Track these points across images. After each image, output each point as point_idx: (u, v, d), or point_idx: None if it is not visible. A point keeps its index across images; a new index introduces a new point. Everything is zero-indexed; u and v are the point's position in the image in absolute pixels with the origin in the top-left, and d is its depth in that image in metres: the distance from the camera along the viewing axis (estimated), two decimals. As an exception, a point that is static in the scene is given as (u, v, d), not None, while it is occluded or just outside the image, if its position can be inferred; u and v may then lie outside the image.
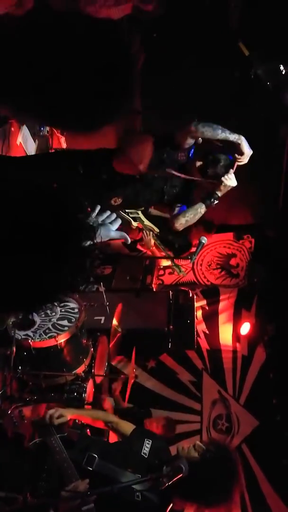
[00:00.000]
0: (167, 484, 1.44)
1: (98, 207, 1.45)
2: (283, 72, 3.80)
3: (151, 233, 3.32)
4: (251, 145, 4.77)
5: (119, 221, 1.50)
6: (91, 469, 1.70)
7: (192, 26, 4.20)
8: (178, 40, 4.38)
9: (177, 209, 2.78)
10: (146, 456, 1.75)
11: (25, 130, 3.83)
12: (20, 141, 3.78)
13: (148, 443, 1.81)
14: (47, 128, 4.34)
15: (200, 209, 2.65)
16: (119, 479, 1.65)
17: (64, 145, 4.83)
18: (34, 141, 4.08)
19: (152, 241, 3.26)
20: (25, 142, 3.88)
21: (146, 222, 3.48)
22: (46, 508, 1.25)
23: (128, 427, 2.07)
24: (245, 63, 4.25)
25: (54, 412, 2.06)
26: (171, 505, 1.70)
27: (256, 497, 3.87)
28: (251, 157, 4.87)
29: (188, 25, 4.20)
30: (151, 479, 1.45)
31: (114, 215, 1.48)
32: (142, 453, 1.79)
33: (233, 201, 5.26)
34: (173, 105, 4.48)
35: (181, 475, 1.49)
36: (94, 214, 1.19)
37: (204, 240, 2.74)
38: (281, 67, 3.81)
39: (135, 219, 3.46)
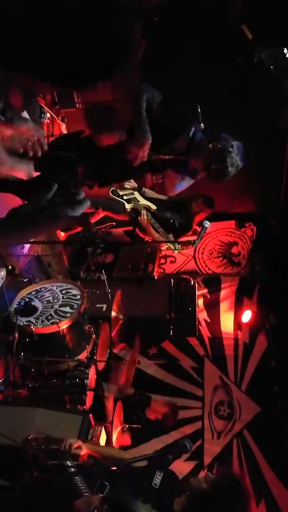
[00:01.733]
0: (172, 461, 1.45)
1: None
2: (287, 56, 3.74)
3: (146, 212, 3.27)
4: (254, 133, 4.76)
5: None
6: (102, 495, 1.70)
7: (194, 11, 4.14)
8: (179, 26, 4.32)
9: (181, 181, 2.71)
10: (157, 487, 1.76)
11: (25, 115, 3.79)
12: (20, 127, 3.75)
13: (159, 475, 1.82)
14: (48, 115, 4.30)
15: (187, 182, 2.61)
16: (129, 507, 1.67)
17: (64, 132, 4.79)
18: (34, 128, 4.04)
19: (145, 220, 3.20)
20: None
21: (142, 201, 3.45)
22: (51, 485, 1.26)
23: (140, 463, 2.08)
24: (248, 48, 4.20)
25: (74, 441, 2.07)
26: None
27: (258, 483, 3.90)
28: (254, 145, 4.86)
29: (190, 10, 4.14)
30: (158, 455, 1.45)
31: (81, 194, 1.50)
32: (153, 484, 1.81)
33: (235, 189, 5.24)
34: (174, 93, 4.43)
35: (186, 452, 1.50)
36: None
37: (207, 224, 2.70)
38: (285, 51, 3.75)
39: (129, 200, 3.43)
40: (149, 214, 3.30)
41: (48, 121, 4.32)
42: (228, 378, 4.71)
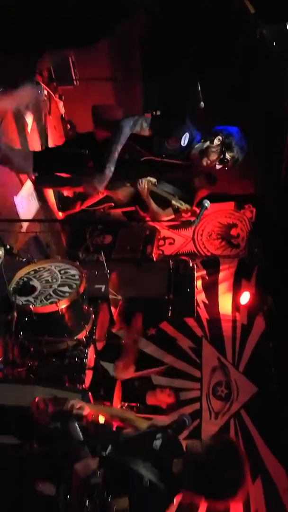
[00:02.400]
0: (172, 436, 1.46)
1: None
2: (291, 32, 3.65)
3: (147, 180, 3.20)
4: (255, 115, 4.68)
5: None
6: (103, 455, 1.72)
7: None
8: (179, 2, 4.21)
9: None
10: (157, 449, 1.78)
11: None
12: (17, 103, 3.66)
13: (159, 437, 1.83)
14: (45, 92, 4.20)
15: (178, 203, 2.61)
16: (130, 465, 1.70)
17: (62, 110, 4.70)
18: (32, 105, 3.95)
19: (146, 189, 3.14)
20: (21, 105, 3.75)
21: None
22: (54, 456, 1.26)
23: (144, 423, 2.10)
24: (250, 24, 4.09)
25: (76, 402, 2.09)
26: (180, 496, 1.76)
27: (254, 461, 3.97)
28: (254, 125, 4.79)
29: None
30: (158, 431, 1.46)
31: None
32: (153, 446, 1.83)
33: (235, 171, 5.17)
34: (174, 72, 4.34)
35: (185, 428, 1.52)
36: None
37: (207, 203, 2.66)
38: (288, 27, 3.65)
39: None
40: (150, 181, 3.22)
41: (45, 98, 4.22)
42: (226, 359, 4.75)
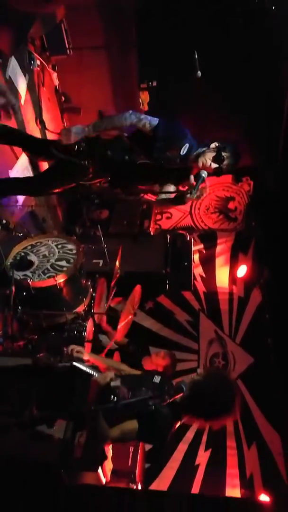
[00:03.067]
0: (169, 401, 1.52)
1: None
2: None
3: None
4: (252, 85, 4.58)
5: None
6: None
7: None
8: None
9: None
10: (158, 382, 1.90)
11: (13, 62, 3.58)
12: (9, 75, 3.56)
13: (158, 377, 2.04)
14: (38, 62, 4.08)
15: (172, 188, 2.58)
16: (135, 394, 1.84)
17: (56, 81, 4.58)
18: (24, 76, 3.84)
19: None
20: (14, 77, 3.65)
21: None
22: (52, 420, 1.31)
23: (138, 373, 2.21)
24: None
25: (76, 347, 2.32)
26: (182, 419, 1.88)
27: (250, 428, 4.10)
28: (252, 97, 4.70)
29: None
30: (155, 397, 1.52)
31: None
32: (153, 381, 2.00)
33: (232, 142, 5.11)
34: (170, 40, 4.22)
35: (181, 394, 1.59)
36: None
37: (204, 174, 2.64)
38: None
39: None
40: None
41: (38, 68, 4.10)
42: (223, 331, 4.83)
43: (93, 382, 1.80)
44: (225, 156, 2.68)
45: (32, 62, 3.97)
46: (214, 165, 2.69)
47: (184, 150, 2.56)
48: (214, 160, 2.64)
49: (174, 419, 1.82)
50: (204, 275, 5.27)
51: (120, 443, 2.81)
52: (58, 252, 3.30)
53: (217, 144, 2.71)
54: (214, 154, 2.66)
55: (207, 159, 2.68)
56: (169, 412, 1.77)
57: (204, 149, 2.73)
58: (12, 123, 3.58)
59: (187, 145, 2.62)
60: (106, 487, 2.66)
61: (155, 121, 2.60)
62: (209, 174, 2.71)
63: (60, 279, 3.05)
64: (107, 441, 1.85)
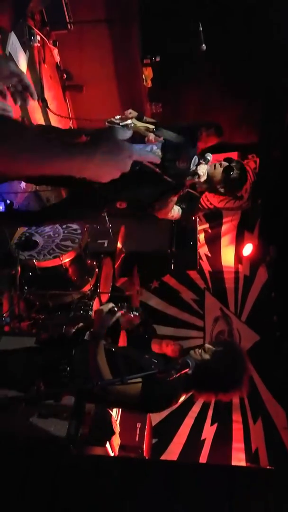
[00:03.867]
0: (175, 376, 1.53)
1: None
2: None
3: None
4: (258, 60, 4.45)
5: None
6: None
7: None
8: None
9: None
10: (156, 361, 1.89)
11: (13, 38, 3.50)
12: (9, 51, 3.48)
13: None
14: (38, 37, 3.98)
15: (171, 197, 2.52)
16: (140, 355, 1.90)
17: (57, 58, 4.47)
18: (25, 52, 3.75)
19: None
20: (14, 53, 3.57)
21: (140, 124, 3.28)
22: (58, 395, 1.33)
23: None
24: None
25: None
26: (189, 392, 1.85)
27: (256, 403, 4.15)
28: (258, 74, 4.56)
29: None
30: (162, 372, 1.52)
31: None
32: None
33: (238, 119, 5.01)
34: (174, 12, 4.09)
35: (187, 369, 1.58)
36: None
37: (210, 156, 2.60)
38: None
39: (125, 126, 3.28)
40: (149, 128, 3.13)
41: (39, 44, 4.00)
42: (228, 309, 4.84)
43: (96, 312, 1.82)
44: (234, 175, 2.62)
45: (32, 37, 3.87)
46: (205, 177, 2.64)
47: (194, 162, 2.53)
48: (224, 180, 2.60)
49: (179, 391, 1.79)
50: (209, 254, 5.25)
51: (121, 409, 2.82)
52: (63, 232, 3.31)
53: (222, 163, 2.66)
54: (207, 166, 2.61)
55: (202, 172, 2.63)
56: (174, 384, 1.75)
57: (201, 162, 2.68)
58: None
59: (196, 157, 2.58)
60: (114, 457, 2.73)
61: (160, 142, 2.57)
62: (221, 194, 2.72)
63: (66, 259, 3.07)
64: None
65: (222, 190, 2.66)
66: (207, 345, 1.87)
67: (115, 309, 1.78)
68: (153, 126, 3.25)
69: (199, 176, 2.49)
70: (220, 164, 2.59)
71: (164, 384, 1.68)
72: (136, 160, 0.91)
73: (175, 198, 2.52)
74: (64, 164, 0.80)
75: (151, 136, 2.97)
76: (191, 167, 2.52)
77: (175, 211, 2.67)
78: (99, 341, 1.74)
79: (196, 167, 2.56)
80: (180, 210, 2.72)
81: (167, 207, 2.56)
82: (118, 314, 1.78)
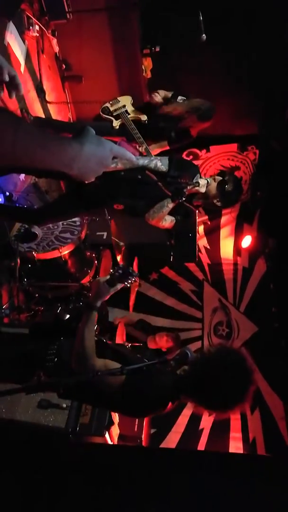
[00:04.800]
0: (173, 367, 1.53)
1: None
2: None
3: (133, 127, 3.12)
4: (258, 50, 4.41)
5: None
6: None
7: None
8: None
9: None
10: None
11: (12, 28, 3.46)
12: (7, 41, 3.45)
13: None
14: (37, 27, 3.94)
15: (168, 204, 2.51)
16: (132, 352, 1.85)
17: (56, 48, 4.43)
18: (23, 42, 3.72)
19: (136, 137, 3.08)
20: (13, 43, 3.54)
21: (132, 113, 3.27)
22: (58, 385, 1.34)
23: None
24: None
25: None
26: (180, 399, 1.69)
27: (254, 394, 4.18)
28: (258, 64, 4.53)
29: None
30: (160, 362, 1.52)
31: None
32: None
33: (238, 110, 4.98)
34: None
35: (187, 359, 1.56)
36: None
37: (210, 180, 2.64)
38: None
39: (118, 116, 3.26)
40: (135, 128, 3.13)
41: (37, 34, 3.96)
42: (227, 300, 4.86)
43: (93, 282, 1.79)
44: (228, 188, 2.64)
45: (30, 27, 3.83)
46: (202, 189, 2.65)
47: (196, 179, 2.56)
48: (220, 194, 2.61)
49: (168, 396, 1.63)
50: (208, 247, 5.26)
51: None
52: (62, 224, 3.31)
53: (216, 177, 2.68)
54: (206, 182, 2.63)
55: (202, 183, 2.65)
56: (165, 385, 1.62)
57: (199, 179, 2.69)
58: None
59: (198, 175, 2.61)
60: (113, 445, 2.76)
61: (165, 159, 2.57)
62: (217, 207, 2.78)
63: (65, 251, 3.08)
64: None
65: (218, 204, 2.68)
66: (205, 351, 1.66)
67: (114, 278, 1.72)
68: (145, 118, 3.24)
69: (198, 185, 2.51)
70: (214, 179, 2.60)
71: (153, 382, 1.59)
72: (115, 156, 0.93)
73: (171, 205, 2.53)
74: (53, 157, 0.81)
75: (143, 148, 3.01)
76: (193, 181, 2.55)
77: (167, 221, 2.68)
78: (92, 312, 1.68)
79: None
80: (174, 221, 2.72)
81: (162, 213, 2.57)
82: (118, 286, 1.73)
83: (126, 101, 3.39)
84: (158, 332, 4.00)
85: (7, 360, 1.76)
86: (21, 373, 1.61)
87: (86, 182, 0.91)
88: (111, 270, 1.79)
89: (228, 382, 1.58)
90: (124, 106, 3.34)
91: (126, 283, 1.74)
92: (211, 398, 1.60)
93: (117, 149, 0.94)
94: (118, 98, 3.42)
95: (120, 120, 3.28)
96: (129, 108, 3.34)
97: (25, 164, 0.79)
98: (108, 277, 1.76)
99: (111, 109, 3.35)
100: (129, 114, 3.29)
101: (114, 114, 3.32)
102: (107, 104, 3.39)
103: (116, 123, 3.28)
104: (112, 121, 3.30)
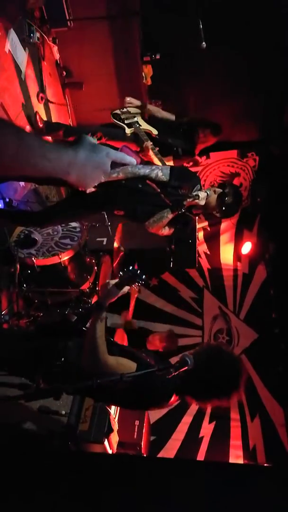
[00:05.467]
0: (173, 374, 1.53)
1: None
2: None
3: (148, 141, 3.16)
4: (257, 54, 4.44)
5: None
6: None
7: None
8: None
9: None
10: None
11: (13, 35, 3.49)
12: (8, 48, 3.47)
13: None
14: (38, 35, 3.97)
15: (167, 214, 2.52)
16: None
17: (57, 55, 4.46)
18: (24, 49, 3.75)
19: (150, 148, 3.10)
20: (14, 50, 3.56)
21: (144, 125, 3.30)
22: (58, 391, 1.34)
23: None
24: None
25: None
26: (177, 397, 1.78)
27: (254, 400, 4.17)
28: (256, 69, 4.56)
29: None
30: (159, 370, 1.52)
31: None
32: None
33: (237, 116, 5.01)
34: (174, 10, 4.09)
35: (186, 367, 1.57)
36: None
37: (209, 191, 2.64)
38: None
39: (130, 125, 3.28)
40: (148, 139, 3.16)
41: (39, 41, 3.99)
42: (227, 308, 4.85)
43: (103, 285, 1.83)
44: (228, 201, 2.65)
45: (32, 35, 3.85)
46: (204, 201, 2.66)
47: (196, 190, 2.57)
48: (219, 207, 2.62)
49: (167, 395, 1.73)
50: (208, 252, 5.26)
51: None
52: (62, 230, 3.31)
53: (216, 189, 2.69)
54: (206, 193, 2.64)
55: (202, 196, 2.66)
56: (165, 385, 1.70)
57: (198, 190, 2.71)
58: (15, 98, 3.53)
59: (198, 186, 2.62)
60: (112, 454, 2.74)
61: (166, 168, 2.58)
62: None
63: (64, 257, 3.08)
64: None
65: (217, 215, 2.69)
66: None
67: (123, 280, 1.76)
68: (156, 132, 3.27)
69: (198, 197, 2.52)
70: (214, 191, 2.61)
71: (157, 380, 1.65)
72: (113, 161, 0.93)
73: (170, 216, 2.54)
74: (52, 165, 0.82)
75: (149, 144, 3.02)
76: (193, 192, 2.56)
77: (166, 230, 2.68)
78: (102, 311, 1.74)
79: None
80: (172, 230, 2.73)
81: (162, 222, 2.58)
82: (125, 289, 1.77)
83: (136, 112, 3.42)
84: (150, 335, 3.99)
85: (15, 355, 1.78)
86: (27, 369, 1.63)
87: (87, 189, 0.92)
88: (121, 272, 1.81)
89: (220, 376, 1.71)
90: (134, 117, 3.37)
91: (134, 285, 1.77)
92: (206, 391, 1.72)
93: (114, 154, 0.94)
94: (128, 109, 3.44)
95: (132, 129, 3.30)
96: (140, 120, 3.38)
97: (27, 174, 0.80)
98: (117, 280, 1.80)
99: (122, 117, 3.38)
100: (140, 125, 3.32)
101: (126, 122, 3.35)
102: (118, 111, 3.41)
103: (128, 131, 3.32)
104: (124, 128, 3.33)
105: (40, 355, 1.77)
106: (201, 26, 3.56)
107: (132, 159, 1.01)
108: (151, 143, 3.14)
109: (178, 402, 1.84)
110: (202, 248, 5.24)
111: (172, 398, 1.75)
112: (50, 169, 0.82)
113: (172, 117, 3.39)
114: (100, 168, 0.91)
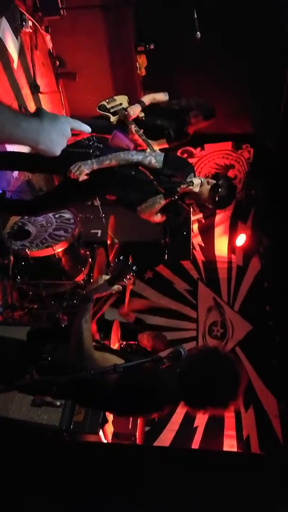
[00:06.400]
0: (167, 365, 1.52)
1: None
2: None
3: (132, 125, 3.12)
4: (253, 49, 4.41)
5: None
6: None
7: None
8: None
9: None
10: None
11: (4, 23, 3.43)
12: (0, 37, 3.42)
13: None
14: (30, 23, 3.91)
15: (160, 200, 2.50)
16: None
17: (50, 44, 4.40)
18: (16, 38, 3.68)
19: (134, 131, 3.06)
20: (5, 39, 3.50)
21: (130, 109, 3.27)
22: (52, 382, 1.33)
23: None
24: None
25: None
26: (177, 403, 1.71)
27: (247, 390, 4.19)
28: (254, 63, 4.53)
29: None
30: (152, 361, 1.51)
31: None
32: None
33: (233, 108, 4.98)
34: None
35: (180, 355, 1.55)
36: None
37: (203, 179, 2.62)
38: None
39: (115, 112, 3.26)
40: (136, 126, 3.12)
41: (31, 30, 3.93)
42: (221, 299, 4.87)
43: (96, 278, 1.79)
44: (221, 193, 2.62)
45: (23, 23, 3.79)
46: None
47: (190, 178, 2.54)
48: (212, 196, 2.59)
49: (165, 399, 1.64)
50: (203, 245, 5.27)
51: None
52: (56, 221, 3.30)
53: (209, 180, 2.66)
54: (200, 181, 2.61)
55: (197, 182, 2.63)
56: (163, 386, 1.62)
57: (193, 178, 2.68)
58: (5, 89, 3.48)
59: (192, 174, 2.59)
60: (107, 443, 2.75)
61: (160, 155, 2.54)
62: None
63: (58, 249, 3.06)
64: None
65: (210, 206, 2.66)
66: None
67: (113, 274, 1.72)
68: (142, 114, 3.23)
69: (192, 184, 2.49)
70: (208, 182, 2.57)
71: (150, 382, 1.59)
72: (72, 129, 1.04)
73: (163, 202, 2.51)
74: (23, 134, 0.91)
75: (133, 127, 2.99)
76: (187, 180, 2.53)
77: (158, 216, 2.66)
78: (88, 303, 1.69)
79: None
80: (164, 217, 2.70)
81: (154, 208, 2.55)
82: (115, 287, 1.75)
83: (122, 100, 3.39)
84: (145, 332, 4.00)
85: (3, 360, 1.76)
86: (14, 372, 1.61)
87: (55, 155, 1.00)
88: (112, 264, 1.80)
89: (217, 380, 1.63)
90: (121, 104, 3.34)
91: (125, 279, 1.74)
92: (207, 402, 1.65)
93: (72, 120, 1.05)
94: (114, 97, 3.41)
95: (117, 116, 3.28)
96: (126, 106, 3.34)
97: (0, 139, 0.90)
98: (108, 276, 1.78)
99: (108, 106, 3.35)
100: (125, 110, 3.29)
101: (112, 111, 3.32)
102: (104, 102, 3.39)
103: (113, 119, 3.29)
104: (109, 118, 3.30)
105: (27, 358, 1.74)
106: (195, 16, 3.53)
107: (86, 127, 1.11)
108: (135, 125, 3.11)
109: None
110: (196, 240, 5.24)
111: (165, 408, 1.68)
112: (22, 137, 0.91)
113: (166, 97, 3.33)
114: (63, 134, 1.01)
